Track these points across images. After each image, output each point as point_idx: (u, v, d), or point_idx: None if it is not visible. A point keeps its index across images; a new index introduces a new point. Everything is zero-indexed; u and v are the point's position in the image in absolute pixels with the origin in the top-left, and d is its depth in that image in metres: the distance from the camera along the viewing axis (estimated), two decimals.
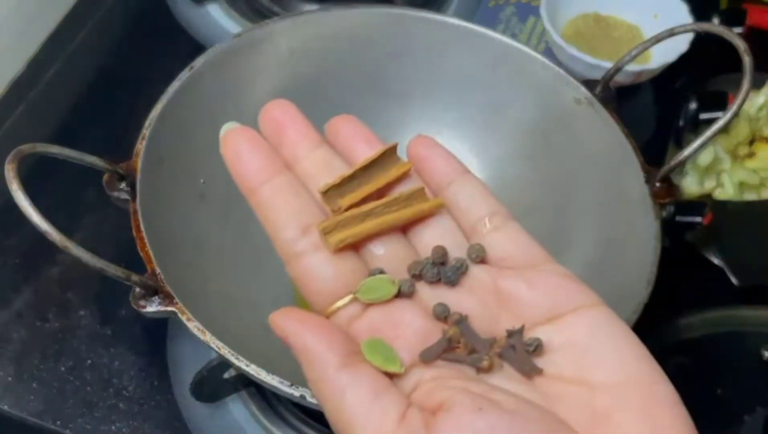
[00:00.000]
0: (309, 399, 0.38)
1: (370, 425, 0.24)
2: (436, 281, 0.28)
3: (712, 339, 0.52)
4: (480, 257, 0.28)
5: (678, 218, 0.50)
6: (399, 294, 0.28)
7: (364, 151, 0.30)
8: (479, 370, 0.26)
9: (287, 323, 0.26)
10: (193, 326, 0.40)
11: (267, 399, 0.50)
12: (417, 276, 0.28)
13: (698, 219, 0.51)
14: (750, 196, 0.58)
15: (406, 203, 0.29)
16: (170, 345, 0.53)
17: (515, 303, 0.27)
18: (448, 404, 0.24)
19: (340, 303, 0.27)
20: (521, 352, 0.26)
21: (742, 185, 0.58)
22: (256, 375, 0.39)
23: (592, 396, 0.25)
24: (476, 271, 0.28)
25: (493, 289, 0.28)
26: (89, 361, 0.53)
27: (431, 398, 0.25)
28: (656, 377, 0.25)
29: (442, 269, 0.28)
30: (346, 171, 0.29)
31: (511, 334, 0.27)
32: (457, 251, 0.29)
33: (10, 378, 0.52)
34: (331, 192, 0.29)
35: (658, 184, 0.48)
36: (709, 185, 0.58)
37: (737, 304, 0.56)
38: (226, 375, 0.48)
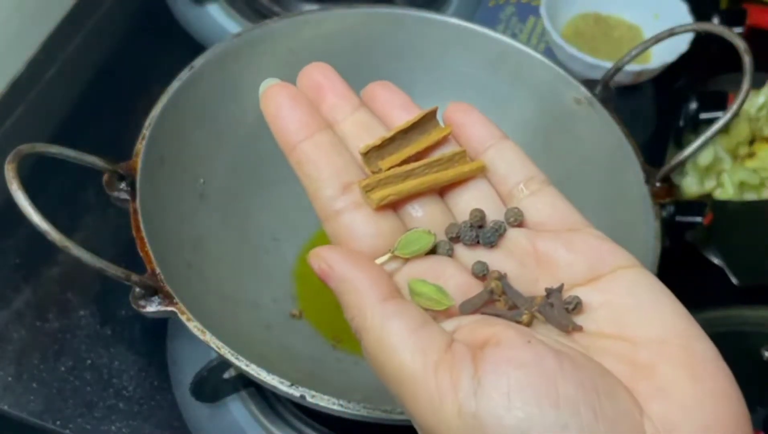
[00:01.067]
0: (309, 399, 0.38)
1: (417, 351, 0.24)
2: (474, 243, 0.28)
3: (712, 338, 0.52)
4: (518, 220, 0.28)
5: (678, 218, 0.50)
6: (436, 253, 0.28)
7: (401, 116, 0.30)
8: (519, 324, 0.26)
9: (332, 255, 0.26)
10: (193, 326, 0.40)
11: (267, 399, 0.50)
12: (455, 239, 0.28)
13: (698, 219, 0.51)
14: (750, 196, 0.58)
15: (447, 164, 0.29)
16: (170, 345, 0.53)
17: (554, 265, 0.27)
18: (496, 338, 0.24)
19: (379, 260, 0.27)
20: (560, 310, 0.26)
21: (742, 185, 0.58)
22: (256, 375, 0.39)
23: (634, 351, 0.25)
24: (514, 234, 0.28)
25: (532, 251, 0.28)
26: (89, 361, 0.53)
27: (475, 335, 0.25)
28: (695, 333, 0.25)
29: (481, 231, 0.28)
30: (387, 133, 0.29)
31: (549, 293, 0.27)
32: (494, 215, 0.29)
33: (10, 378, 0.52)
34: (371, 153, 0.29)
35: (658, 184, 0.48)
36: (709, 185, 0.58)
37: (737, 304, 0.56)
38: (226, 375, 0.48)
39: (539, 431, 0.22)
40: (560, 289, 0.27)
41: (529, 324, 0.26)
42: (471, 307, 0.26)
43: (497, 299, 0.27)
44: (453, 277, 0.27)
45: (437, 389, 0.23)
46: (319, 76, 0.30)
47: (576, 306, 0.26)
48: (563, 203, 0.29)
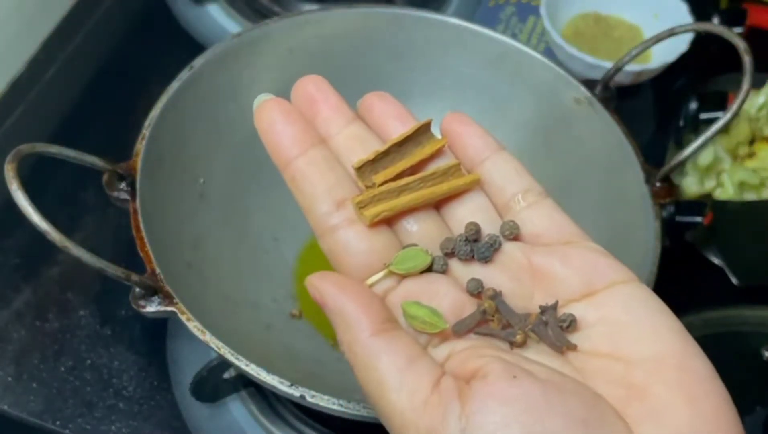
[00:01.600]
0: (309, 399, 0.38)
1: (404, 390, 0.24)
2: (469, 258, 0.28)
3: (712, 338, 0.52)
4: (513, 234, 0.28)
5: (678, 218, 0.50)
6: (431, 271, 0.28)
7: (397, 128, 0.30)
8: (513, 344, 0.26)
9: (325, 286, 0.26)
10: (193, 326, 0.40)
11: (267, 399, 0.50)
12: (450, 254, 0.28)
13: (698, 219, 0.51)
14: (750, 196, 0.58)
15: (441, 178, 0.29)
16: (170, 345, 0.53)
17: (549, 280, 0.27)
18: (483, 372, 0.24)
19: (374, 278, 0.27)
20: (554, 328, 0.26)
21: (742, 185, 0.58)
22: (255, 375, 0.39)
23: (628, 371, 0.25)
24: (509, 248, 0.28)
25: (527, 266, 0.28)
26: (89, 361, 0.53)
27: (465, 366, 0.25)
28: (691, 351, 0.25)
29: (475, 246, 0.28)
30: (381, 147, 0.29)
31: (544, 310, 0.26)
32: (490, 228, 0.29)
33: (10, 378, 0.52)
34: (365, 168, 0.28)
35: (658, 184, 0.48)
36: (709, 185, 0.58)
37: (737, 304, 0.56)
38: (226, 375, 0.48)
39: None
40: (555, 306, 0.26)
41: (522, 344, 0.26)
42: (464, 328, 0.26)
43: (490, 319, 0.26)
44: (447, 295, 0.27)
45: (425, 428, 0.23)
46: (312, 89, 0.30)
47: (570, 324, 0.26)
48: (560, 216, 0.29)
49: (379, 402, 0.25)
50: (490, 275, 0.28)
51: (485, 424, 0.22)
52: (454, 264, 0.28)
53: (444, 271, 0.28)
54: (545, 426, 0.22)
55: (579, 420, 0.23)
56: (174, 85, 0.48)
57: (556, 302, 0.27)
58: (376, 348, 0.25)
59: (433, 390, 0.24)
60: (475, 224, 0.28)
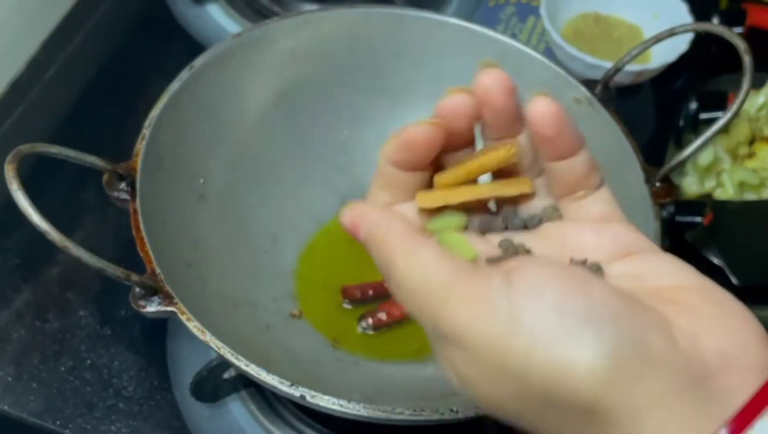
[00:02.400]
0: (309, 399, 0.38)
1: (447, 263, 0.26)
2: (502, 230, 0.30)
3: None
4: (553, 218, 0.30)
5: (678, 218, 0.50)
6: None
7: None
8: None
9: (360, 206, 0.29)
10: (193, 326, 0.40)
11: (267, 399, 0.50)
12: (485, 232, 0.30)
13: (698, 219, 0.51)
14: (750, 196, 0.58)
15: (504, 184, 0.30)
16: (170, 345, 0.53)
17: (581, 247, 0.29)
18: (517, 265, 0.25)
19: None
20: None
21: (742, 185, 0.58)
22: (255, 375, 0.39)
23: (657, 293, 0.26)
24: (548, 225, 0.30)
25: (562, 236, 0.29)
26: (89, 361, 0.53)
27: (500, 265, 0.26)
28: (714, 287, 0.27)
29: (510, 220, 0.30)
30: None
31: (573, 262, 0.28)
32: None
33: (10, 378, 0.52)
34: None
35: (658, 184, 0.48)
36: (709, 185, 0.58)
37: None
38: (226, 375, 0.48)
39: (573, 320, 0.23)
40: (584, 262, 0.28)
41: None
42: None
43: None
44: (477, 245, 0.29)
45: (469, 289, 0.25)
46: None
47: (597, 271, 0.27)
48: (611, 206, 0.31)
49: (419, 285, 0.26)
50: (524, 240, 0.29)
51: (529, 278, 0.24)
52: (489, 236, 0.30)
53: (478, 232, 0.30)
54: (590, 289, 0.24)
55: (617, 294, 0.24)
56: (174, 85, 0.48)
57: (585, 259, 0.28)
58: (419, 241, 0.26)
59: (475, 266, 0.26)
60: (513, 207, 0.30)
